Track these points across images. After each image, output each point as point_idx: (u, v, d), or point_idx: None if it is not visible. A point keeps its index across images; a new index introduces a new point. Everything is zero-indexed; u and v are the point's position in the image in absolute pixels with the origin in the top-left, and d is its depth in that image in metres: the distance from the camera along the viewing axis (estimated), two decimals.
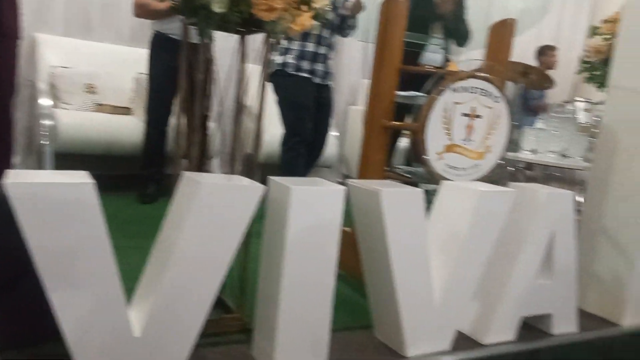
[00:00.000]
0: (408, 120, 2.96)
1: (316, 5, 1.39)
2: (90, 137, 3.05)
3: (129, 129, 3.17)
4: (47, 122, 2.97)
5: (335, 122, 4.18)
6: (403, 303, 1.40)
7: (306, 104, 2.86)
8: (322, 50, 2.87)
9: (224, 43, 1.62)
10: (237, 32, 1.45)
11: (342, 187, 1.29)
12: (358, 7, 2.83)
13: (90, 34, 3.65)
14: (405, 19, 1.90)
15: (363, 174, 1.99)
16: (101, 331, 1.09)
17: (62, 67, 3.33)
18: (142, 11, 2.88)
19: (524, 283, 1.60)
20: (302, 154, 2.87)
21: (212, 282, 1.19)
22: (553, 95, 5.11)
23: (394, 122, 1.96)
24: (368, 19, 2.96)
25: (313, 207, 1.25)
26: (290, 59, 2.83)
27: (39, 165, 3.05)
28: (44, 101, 3.08)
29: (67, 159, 3.00)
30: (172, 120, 2.85)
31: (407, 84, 2.01)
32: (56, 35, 3.51)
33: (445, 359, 1.46)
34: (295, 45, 2.82)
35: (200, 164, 1.56)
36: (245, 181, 1.24)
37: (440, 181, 1.63)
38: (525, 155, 3.17)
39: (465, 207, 1.47)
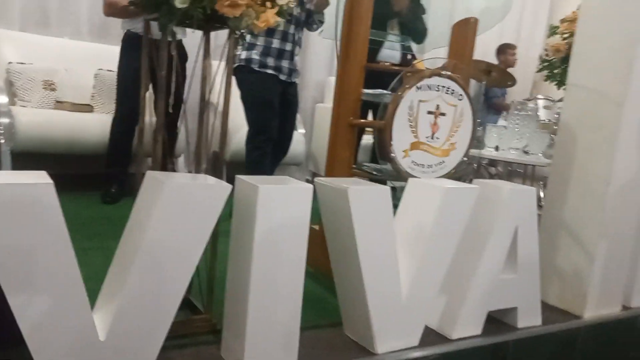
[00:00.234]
0: (371, 117, 2.99)
1: (280, 1, 1.38)
2: (49, 135, 2.96)
3: (91, 126, 3.09)
4: (3, 120, 2.87)
5: (303, 119, 4.17)
6: (371, 300, 1.41)
7: (272, 102, 2.83)
8: (288, 46, 2.84)
9: (188, 39, 1.59)
10: (200, 28, 1.42)
11: (309, 186, 1.29)
12: (324, 3, 2.82)
13: (48, 29, 3.53)
14: (370, 17, 1.91)
15: (330, 172, 1.99)
16: (64, 336, 1.05)
17: (19, 63, 3.21)
18: (111, 10, 2.82)
19: (489, 278, 1.63)
20: (268, 152, 2.85)
21: (179, 283, 1.17)
22: (514, 93, 5.23)
23: (360, 120, 1.96)
24: (334, 16, 2.96)
25: (281, 206, 1.24)
26: (254, 54, 2.77)
27: None
28: (0, 98, 2.97)
29: (26, 158, 2.90)
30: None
31: (366, 81, 2.01)
32: (13, 30, 3.39)
33: (414, 354, 1.47)
34: (260, 41, 2.77)
35: (165, 163, 1.53)
36: (211, 180, 1.22)
37: (406, 178, 1.64)
38: (488, 152, 3.23)
39: (431, 204, 1.49)
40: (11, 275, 0.98)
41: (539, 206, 1.87)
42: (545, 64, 3.17)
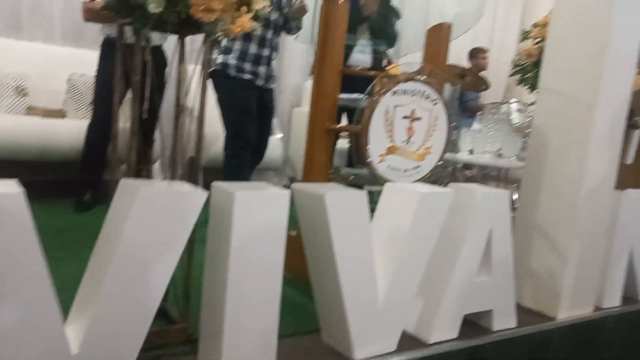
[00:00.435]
0: (344, 121, 3.00)
1: (256, 6, 1.38)
2: (21, 142, 2.89)
3: (63, 133, 3.03)
4: None
5: (280, 123, 4.17)
6: (349, 305, 1.41)
7: (249, 108, 2.81)
8: (266, 52, 2.82)
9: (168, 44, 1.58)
10: (175, 33, 1.41)
11: (286, 192, 1.28)
12: (302, 11, 2.82)
13: (20, 32, 3.46)
14: (346, 22, 1.92)
15: (308, 177, 1.99)
16: (35, 348, 1.03)
17: None
18: (90, 15, 2.78)
19: (465, 281, 1.64)
20: (246, 158, 2.83)
21: (154, 293, 1.16)
22: (488, 97, 5.31)
23: (337, 125, 1.97)
24: (310, 21, 2.96)
25: (257, 213, 1.23)
26: (231, 59, 2.75)
27: None
28: None
29: None
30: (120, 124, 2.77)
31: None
32: None
33: (392, 359, 1.48)
34: (238, 45, 2.75)
35: (140, 169, 1.51)
36: (187, 187, 1.21)
37: (383, 183, 1.65)
38: (463, 155, 3.27)
39: (407, 208, 1.50)
40: None
41: (513, 208, 1.90)
42: (518, 68, 3.22)
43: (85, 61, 3.29)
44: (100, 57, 2.94)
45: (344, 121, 3.01)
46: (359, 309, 1.43)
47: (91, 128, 2.93)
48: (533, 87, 3.16)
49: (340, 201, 1.37)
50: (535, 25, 3.11)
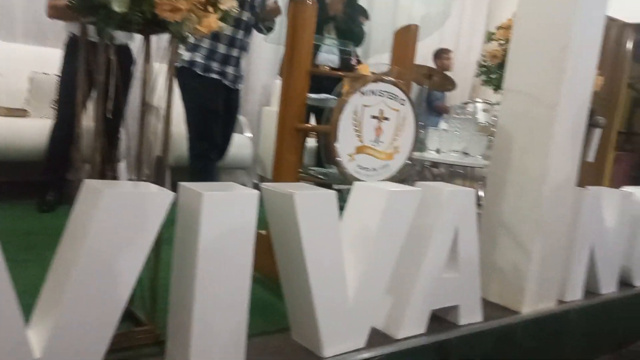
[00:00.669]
0: (313, 121, 3.01)
1: (223, 6, 1.37)
2: None
3: (26, 132, 2.95)
4: None
5: (249, 123, 4.15)
6: (319, 304, 1.41)
7: (215, 109, 2.74)
8: (235, 52, 2.76)
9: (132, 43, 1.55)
10: (140, 33, 1.39)
11: (255, 192, 1.28)
12: (276, 11, 2.79)
13: None
14: (314, 23, 1.92)
15: (277, 177, 1.99)
16: None
17: None
18: (55, 12, 2.71)
19: (432, 277, 1.67)
20: (212, 159, 2.79)
21: (120, 294, 1.14)
22: (454, 97, 5.40)
23: (307, 125, 1.98)
24: (278, 22, 2.96)
25: (226, 213, 1.23)
26: (198, 57, 2.67)
27: None
28: None
29: None
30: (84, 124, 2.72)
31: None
32: None
33: (361, 356, 1.49)
34: (206, 44, 2.67)
35: (104, 170, 1.48)
36: (153, 188, 1.19)
37: (352, 182, 1.66)
38: (430, 154, 3.32)
39: (376, 206, 1.51)
40: None
41: (479, 205, 1.94)
42: (483, 69, 3.28)
43: (48, 60, 3.21)
44: (64, 55, 2.87)
45: (312, 121, 3.01)
46: (328, 307, 1.43)
47: (55, 128, 2.86)
48: (498, 87, 3.22)
49: (309, 201, 1.37)
50: (499, 28, 3.18)
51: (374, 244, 1.50)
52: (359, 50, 3.43)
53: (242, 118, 4.03)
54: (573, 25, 1.89)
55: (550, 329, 2.04)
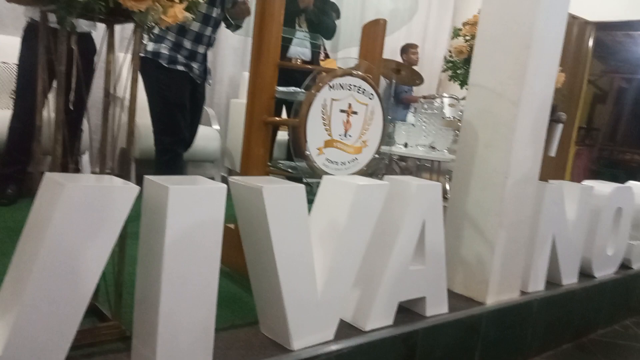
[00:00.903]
0: (284, 114, 2.99)
1: None
2: None
3: None
4: None
5: (217, 115, 4.10)
6: (287, 297, 1.41)
7: (181, 102, 2.66)
8: (201, 49, 2.69)
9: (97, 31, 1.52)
10: (103, 22, 1.36)
11: (222, 186, 1.27)
12: (245, 12, 2.73)
13: None
14: (282, 15, 1.91)
15: (245, 170, 1.97)
16: None
17: None
18: None
19: (399, 270, 1.69)
20: (179, 153, 2.73)
21: (83, 290, 1.12)
22: (421, 92, 5.46)
23: (275, 118, 1.96)
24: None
25: (193, 207, 1.21)
26: (163, 49, 2.59)
27: None
28: None
29: None
30: (44, 115, 2.63)
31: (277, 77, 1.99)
32: None
33: (329, 348, 1.50)
34: (172, 36, 2.59)
35: (66, 163, 1.44)
36: (117, 181, 1.17)
37: (321, 175, 1.66)
38: (398, 149, 3.35)
39: (344, 200, 1.52)
40: None
41: (445, 198, 1.96)
42: (449, 64, 3.33)
43: (6, 48, 3.09)
44: (22, 43, 2.76)
45: (285, 114, 2.99)
46: (297, 300, 1.44)
47: (14, 119, 2.77)
48: (464, 83, 3.28)
49: (278, 195, 1.37)
50: (465, 24, 3.23)
51: (342, 237, 1.51)
52: (328, 44, 3.43)
53: (209, 110, 3.98)
54: (536, 23, 1.93)
55: (513, 319, 2.09)
